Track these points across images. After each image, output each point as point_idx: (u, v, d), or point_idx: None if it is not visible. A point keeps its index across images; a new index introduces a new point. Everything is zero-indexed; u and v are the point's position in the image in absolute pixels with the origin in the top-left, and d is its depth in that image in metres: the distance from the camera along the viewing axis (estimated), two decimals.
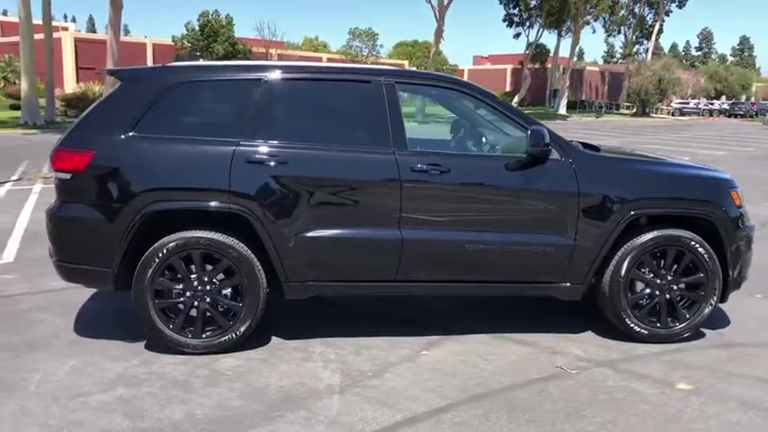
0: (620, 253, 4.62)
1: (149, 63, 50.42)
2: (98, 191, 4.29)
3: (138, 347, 4.49)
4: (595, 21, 54.62)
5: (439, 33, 42.74)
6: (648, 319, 4.73)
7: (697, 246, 4.65)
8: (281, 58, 64.32)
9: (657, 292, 4.72)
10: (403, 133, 4.49)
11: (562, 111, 52.10)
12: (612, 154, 5.10)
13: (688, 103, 67.96)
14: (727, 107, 68.71)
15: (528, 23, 51.58)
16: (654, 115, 60.15)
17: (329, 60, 72.13)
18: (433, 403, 3.79)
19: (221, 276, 4.39)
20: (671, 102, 68.72)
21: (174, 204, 4.27)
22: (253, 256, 4.34)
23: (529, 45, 51.62)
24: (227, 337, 4.38)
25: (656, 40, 69.42)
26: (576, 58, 61.70)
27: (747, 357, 4.57)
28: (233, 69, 4.58)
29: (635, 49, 70.47)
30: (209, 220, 4.37)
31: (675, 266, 4.72)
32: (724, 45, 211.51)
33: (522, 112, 4.78)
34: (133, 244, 4.28)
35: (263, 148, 4.34)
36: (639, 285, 4.74)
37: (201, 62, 4.61)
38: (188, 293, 4.36)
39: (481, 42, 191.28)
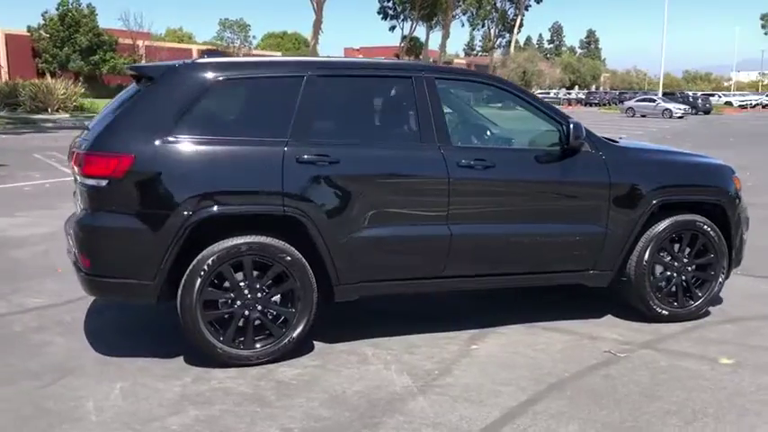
0: (643, 239, 4.86)
1: (2, 55, 46.69)
2: (140, 198, 3.96)
3: (178, 363, 4.21)
4: (464, 15, 56.43)
5: (317, 25, 42.63)
6: (667, 300, 5.02)
7: (709, 229, 4.98)
8: (148, 49, 61.50)
9: (675, 275, 5.01)
10: (446, 128, 4.48)
11: None
12: (633, 145, 5.34)
13: (549, 93, 71.84)
14: (583, 96, 73.31)
15: (402, 16, 52.48)
16: None
17: (199, 52, 69.83)
18: (518, 397, 3.82)
19: (270, 282, 4.19)
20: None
21: (226, 209, 4.02)
22: (304, 259, 4.18)
23: (404, 38, 52.57)
24: (280, 345, 4.19)
25: (518, 33, 72.93)
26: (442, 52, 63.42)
27: (759, 330, 4.95)
28: (274, 66, 4.36)
29: (497, 42, 73.70)
30: (258, 224, 4.15)
31: (689, 249, 5.02)
32: (573, 38, 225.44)
33: (555, 107, 4.89)
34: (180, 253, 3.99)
35: (314, 148, 4.17)
36: (659, 269, 5.00)
37: (237, 58, 4.34)
38: (238, 302, 4.13)
39: (356, 34, 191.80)
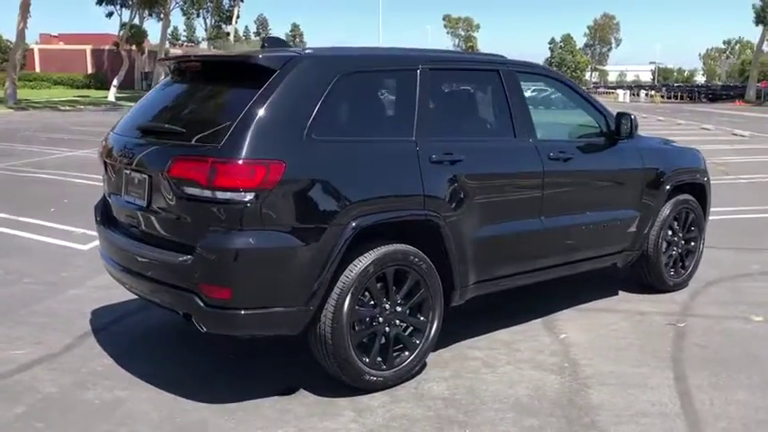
0: (659, 219, 5.34)
1: None
2: (294, 211, 3.36)
3: (309, 398, 3.68)
4: (186, 4, 54.21)
5: (25, 7, 37.67)
6: (670, 272, 5.58)
7: (696, 206, 5.65)
8: None
9: (675, 248, 5.59)
10: (532, 122, 4.47)
11: None
12: (645, 134, 5.78)
13: None
14: None
15: (120, 3, 48.65)
16: None
17: None
18: (665, 375, 3.99)
19: (406, 293, 3.83)
20: None
21: (383, 217, 3.59)
22: (433, 265, 3.91)
23: (123, 25, 48.67)
24: (418, 359, 3.88)
25: (236, 24, 72.24)
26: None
27: (744, 290, 5.69)
28: (390, 58, 3.97)
29: (213, 33, 72.30)
30: (394, 231, 3.76)
31: (683, 225, 5.64)
32: (279, 30, 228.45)
33: (600, 102, 5.12)
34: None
35: (440, 146, 3.89)
36: (665, 245, 5.54)
37: (349, 48, 3.83)
38: (380, 319, 3.72)
39: (69, 19, 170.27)
